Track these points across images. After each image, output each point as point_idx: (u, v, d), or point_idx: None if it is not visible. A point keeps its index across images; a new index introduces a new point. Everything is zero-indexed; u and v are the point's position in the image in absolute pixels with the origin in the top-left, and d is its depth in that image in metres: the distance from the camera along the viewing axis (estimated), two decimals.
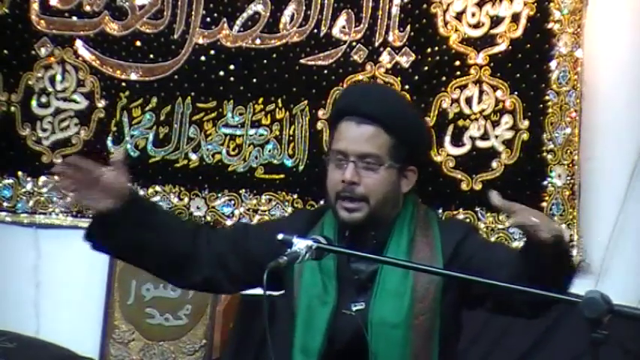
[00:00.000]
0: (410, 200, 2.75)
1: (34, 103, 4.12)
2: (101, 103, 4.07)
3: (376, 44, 3.81)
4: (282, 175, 3.90)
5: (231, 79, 3.95)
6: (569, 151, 3.57)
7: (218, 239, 2.79)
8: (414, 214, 2.74)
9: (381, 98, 2.75)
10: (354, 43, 3.83)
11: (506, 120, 3.66)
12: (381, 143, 2.64)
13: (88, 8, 4.08)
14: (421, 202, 2.81)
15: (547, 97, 3.60)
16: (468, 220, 3.66)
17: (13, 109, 4.12)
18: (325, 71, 3.86)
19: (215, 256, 2.74)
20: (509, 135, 3.65)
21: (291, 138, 3.89)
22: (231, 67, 3.95)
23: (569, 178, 3.57)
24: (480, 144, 3.69)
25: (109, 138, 4.05)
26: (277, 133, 3.91)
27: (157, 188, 4.00)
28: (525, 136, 3.63)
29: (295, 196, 3.87)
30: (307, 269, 2.70)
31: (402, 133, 2.66)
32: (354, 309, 2.66)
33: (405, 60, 3.77)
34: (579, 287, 3.04)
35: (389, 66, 3.79)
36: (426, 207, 2.82)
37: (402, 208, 2.73)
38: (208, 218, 3.94)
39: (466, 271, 2.64)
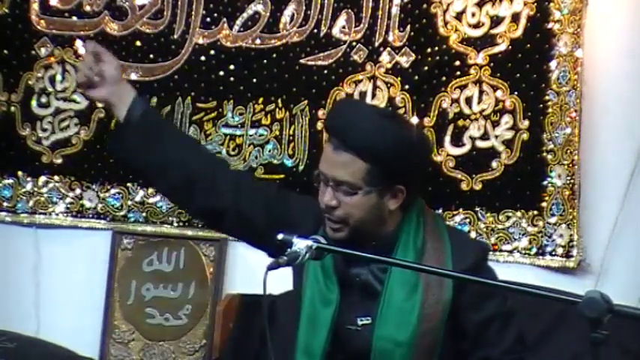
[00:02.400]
0: (415, 208, 2.74)
1: (34, 103, 4.11)
2: (101, 103, 4.06)
3: (376, 44, 3.81)
4: (282, 175, 3.90)
5: (231, 79, 3.95)
6: (569, 151, 3.56)
7: (251, 184, 2.91)
8: (420, 222, 2.73)
9: (360, 125, 2.66)
10: (354, 43, 3.83)
11: (506, 120, 3.66)
12: (355, 170, 2.61)
13: (88, 8, 4.07)
14: (428, 208, 2.81)
15: (547, 97, 3.60)
16: (467, 219, 3.66)
17: (13, 109, 4.12)
18: (325, 71, 3.85)
19: (236, 190, 2.84)
20: (509, 135, 3.65)
21: (291, 138, 3.89)
22: (231, 67, 3.95)
23: (569, 178, 3.57)
24: (480, 144, 3.69)
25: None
26: (277, 133, 3.91)
27: None
28: (525, 136, 3.63)
29: None
30: (311, 270, 2.71)
31: (379, 159, 2.60)
32: (360, 323, 2.66)
33: (405, 60, 3.77)
34: (579, 287, 3.06)
35: (389, 66, 3.79)
36: (433, 213, 2.81)
37: (404, 220, 2.72)
38: None
39: (462, 321, 2.67)
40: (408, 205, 2.72)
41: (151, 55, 4.02)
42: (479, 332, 2.68)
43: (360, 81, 3.81)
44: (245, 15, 3.94)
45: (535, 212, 3.61)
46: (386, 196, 2.65)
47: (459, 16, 3.71)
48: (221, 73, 3.96)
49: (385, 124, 2.71)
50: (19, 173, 4.12)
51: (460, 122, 3.70)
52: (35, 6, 4.10)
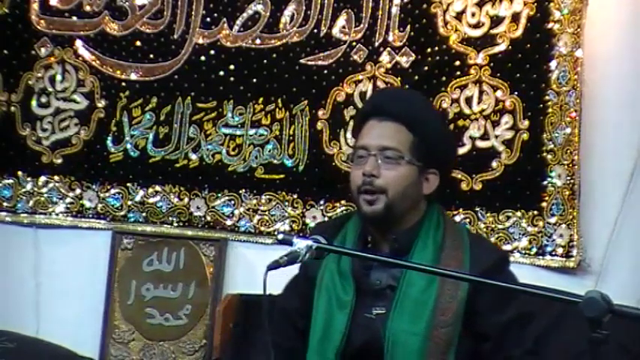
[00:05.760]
0: (435, 208, 2.77)
1: (34, 103, 4.12)
2: (101, 103, 4.07)
3: (376, 44, 3.81)
4: (282, 175, 3.90)
5: (231, 79, 3.95)
6: (569, 151, 3.56)
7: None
8: (440, 222, 2.75)
9: (404, 98, 2.84)
10: (354, 43, 3.83)
11: (506, 120, 3.65)
12: (402, 139, 2.69)
13: (88, 8, 4.08)
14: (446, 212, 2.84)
15: (547, 97, 3.60)
16: (467, 220, 3.66)
17: (13, 109, 4.12)
18: (325, 71, 3.86)
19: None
20: (509, 135, 3.65)
21: (291, 138, 3.89)
22: (231, 67, 3.95)
23: (569, 178, 3.57)
24: (480, 144, 3.69)
25: (109, 138, 4.06)
26: (277, 133, 3.91)
27: (157, 188, 4.01)
28: (525, 136, 3.63)
29: (295, 196, 3.87)
30: (327, 273, 2.72)
31: (424, 132, 2.70)
32: (374, 312, 2.67)
33: (405, 60, 3.77)
34: (579, 287, 3.06)
35: (389, 66, 3.79)
36: (453, 218, 2.84)
37: (426, 215, 2.74)
38: (208, 218, 3.94)
39: (482, 324, 2.68)
40: (431, 200, 2.76)
41: (151, 55, 4.03)
42: (501, 334, 2.68)
43: (360, 81, 3.81)
44: (245, 15, 3.94)
45: (535, 212, 3.61)
46: (423, 176, 2.71)
47: (459, 16, 3.71)
48: (221, 73, 3.96)
49: (426, 103, 2.96)
50: (19, 173, 4.12)
51: (460, 122, 3.70)
52: (35, 6, 4.10)
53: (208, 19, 3.98)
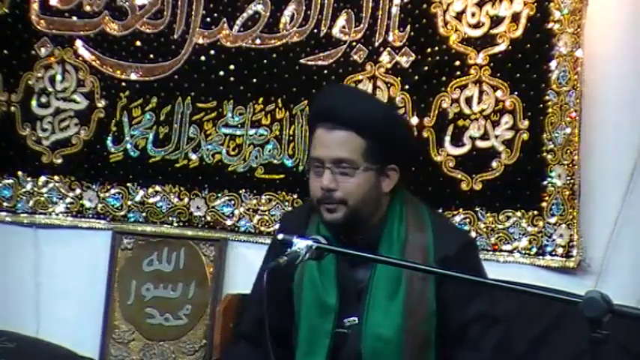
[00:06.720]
0: (397, 199, 2.75)
1: (34, 103, 4.12)
2: (101, 103, 4.07)
3: (376, 44, 3.81)
4: (282, 175, 3.90)
5: (231, 79, 3.95)
6: (569, 151, 3.56)
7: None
8: (403, 213, 2.73)
9: (352, 102, 2.74)
10: (354, 43, 3.83)
11: (506, 120, 3.65)
12: (354, 147, 2.65)
13: (88, 8, 4.08)
14: (412, 197, 2.81)
15: (547, 97, 3.60)
16: (467, 219, 3.66)
17: (13, 109, 4.12)
18: (325, 71, 3.85)
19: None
20: (509, 135, 3.65)
21: (291, 138, 3.89)
22: (231, 67, 3.95)
23: (569, 178, 3.57)
24: (480, 144, 3.69)
25: (109, 138, 4.05)
26: (277, 133, 3.91)
27: (157, 188, 4.00)
28: (525, 136, 3.63)
29: (295, 196, 3.88)
30: (307, 274, 2.70)
31: (376, 135, 2.65)
32: (347, 324, 2.66)
33: (405, 60, 3.77)
34: (579, 287, 3.06)
35: (389, 66, 3.79)
36: (417, 202, 2.81)
37: (389, 208, 2.73)
38: (208, 218, 3.94)
39: (448, 322, 2.65)
40: (395, 192, 2.74)
41: (151, 55, 4.03)
42: (459, 334, 2.66)
43: (360, 81, 3.81)
44: (245, 15, 3.94)
45: (535, 212, 3.61)
46: (382, 175, 2.69)
47: (459, 16, 3.71)
48: (221, 73, 3.96)
49: (374, 101, 2.90)
50: (19, 173, 4.12)
51: (460, 122, 3.70)
52: (35, 6, 4.10)
53: (208, 19, 3.98)
